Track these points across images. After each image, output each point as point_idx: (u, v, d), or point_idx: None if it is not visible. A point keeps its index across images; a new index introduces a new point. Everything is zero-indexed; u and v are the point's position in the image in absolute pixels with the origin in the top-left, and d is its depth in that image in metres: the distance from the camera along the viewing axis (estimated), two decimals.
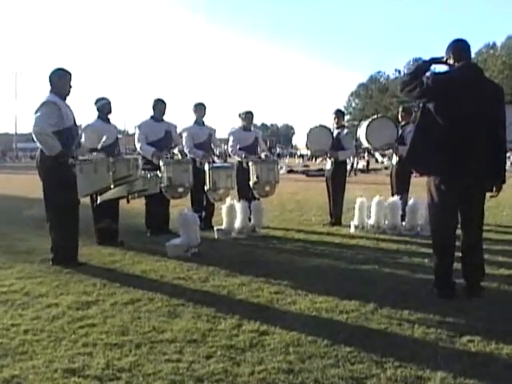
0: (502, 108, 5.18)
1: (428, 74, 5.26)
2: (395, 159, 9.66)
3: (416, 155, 5.29)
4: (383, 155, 10.67)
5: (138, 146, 8.93)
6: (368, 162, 36.42)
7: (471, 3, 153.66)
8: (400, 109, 10.22)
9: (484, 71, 5.56)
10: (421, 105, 5.32)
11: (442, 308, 4.78)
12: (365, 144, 9.75)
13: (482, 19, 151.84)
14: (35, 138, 6.46)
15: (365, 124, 9.73)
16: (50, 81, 6.69)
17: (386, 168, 10.26)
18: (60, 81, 6.70)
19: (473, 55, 5.51)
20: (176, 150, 9.14)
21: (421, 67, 5.42)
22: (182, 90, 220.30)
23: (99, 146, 7.45)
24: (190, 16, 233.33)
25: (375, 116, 9.95)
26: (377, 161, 31.04)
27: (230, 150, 9.89)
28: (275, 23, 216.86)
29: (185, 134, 9.43)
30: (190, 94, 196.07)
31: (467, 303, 4.96)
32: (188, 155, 9.06)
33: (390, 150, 9.71)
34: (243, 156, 9.43)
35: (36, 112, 6.48)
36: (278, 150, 67.45)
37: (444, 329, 4.28)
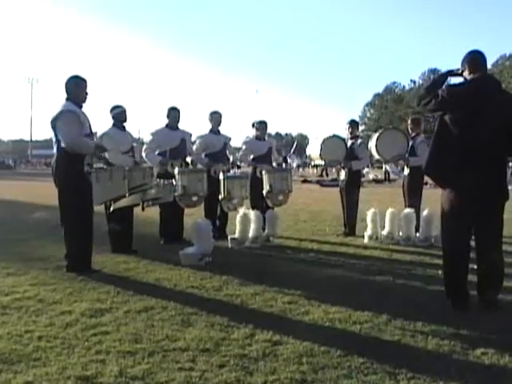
0: None
1: (443, 86, 5.26)
2: (407, 170, 9.65)
3: (434, 167, 5.29)
4: (395, 167, 10.65)
5: (143, 153, 8.96)
6: (387, 173, 35.96)
7: (487, 14, 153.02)
8: (409, 120, 10.23)
9: (501, 83, 5.54)
10: (435, 116, 5.32)
11: (456, 320, 4.75)
12: (376, 156, 9.77)
13: (497, 30, 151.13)
14: (72, 150, 6.49)
15: (375, 136, 9.76)
16: (66, 88, 6.73)
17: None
18: (76, 88, 6.74)
19: (489, 66, 5.50)
20: (189, 159, 9.17)
21: (437, 80, 5.44)
22: (198, 99, 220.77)
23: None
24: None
25: (384, 128, 9.96)
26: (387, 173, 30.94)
27: (238, 157, 9.94)
28: (296, 34, 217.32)
29: (198, 142, 9.45)
30: (205, 102, 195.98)
31: (481, 316, 4.93)
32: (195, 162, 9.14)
33: (401, 162, 9.72)
34: (253, 164, 9.51)
35: (54, 121, 6.52)
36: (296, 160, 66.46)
37: (458, 341, 4.25)
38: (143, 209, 7.53)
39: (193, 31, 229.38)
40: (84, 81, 6.83)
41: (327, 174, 41.21)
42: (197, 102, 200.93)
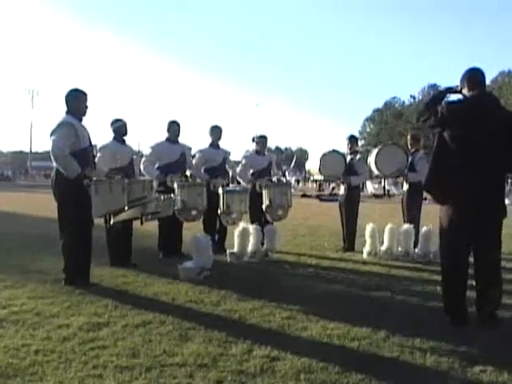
0: None
1: (443, 103, 5.29)
2: (406, 186, 9.67)
3: (433, 183, 5.31)
4: (395, 184, 10.71)
5: (142, 166, 8.93)
6: (385, 189, 35.72)
7: (486, 30, 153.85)
8: (409, 136, 10.26)
9: (499, 99, 5.57)
10: (434, 133, 5.35)
11: (455, 337, 4.74)
12: (375, 172, 9.80)
13: (497, 46, 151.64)
14: (55, 161, 6.50)
15: (374, 151, 9.80)
16: (66, 101, 6.76)
17: (400, 194, 10.40)
18: (75, 101, 6.77)
19: (488, 83, 5.53)
20: (188, 173, 9.19)
21: (436, 97, 5.48)
22: (198, 112, 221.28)
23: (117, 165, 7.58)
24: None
25: (383, 143, 10.00)
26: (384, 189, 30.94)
27: (238, 173, 9.91)
28: (289, 50, 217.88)
29: (197, 156, 9.48)
30: (205, 115, 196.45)
31: (480, 332, 4.92)
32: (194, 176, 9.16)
33: (401, 178, 9.77)
34: (250, 180, 9.52)
35: (52, 133, 6.54)
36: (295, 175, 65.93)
37: (456, 358, 4.24)
38: (142, 223, 7.52)
39: (195, 41, 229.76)
40: (84, 94, 6.86)
41: (323, 190, 41.51)
42: (196, 114, 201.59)
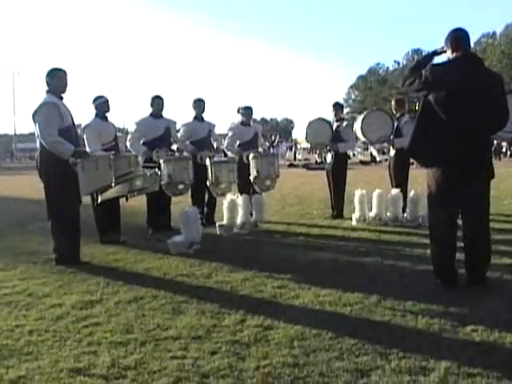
0: (502, 97, 5.16)
1: (427, 66, 5.27)
2: (392, 151, 9.68)
3: (418, 147, 5.30)
4: (380, 151, 10.72)
5: (128, 143, 8.95)
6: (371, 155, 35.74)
7: None
8: (393, 101, 10.25)
9: (483, 61, 5.55)
10: (420, 96, 5.34)
11: (445, 298, 4.79)
12: (361, 138, 9.79)
13: (481, 8, 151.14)
14: (48, 147, 6.44)
15: (360, 118, 9.77)
16: (46, 81, 6.70)
17: (386, 160, 10.43)
18: (55, 79, 6.71)
19: (472, 45, 5.51)
20: (174, 147, 9.15)
21: (422, 61, 5.46)
22: (182, 86, 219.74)
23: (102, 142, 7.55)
24: (188, 12, 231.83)
25: (369, 109, 9.96)
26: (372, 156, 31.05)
27: (225, 145, 9.88)
28: (271, 19, 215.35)
29: (182, 129, 9.45)
30: (189, 89, 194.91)
31: (470, 293, 4.97)
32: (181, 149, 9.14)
33: (386, 143, 9.76)
34: (238, 152, 9.47)
35: (35, 114, 6.48)
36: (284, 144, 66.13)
37: (447, 319, 4.28)
38: (127, 199, 7.50)
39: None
40: (63, 71, 6.80)
41: (295, 158, 41.92)
42: (181, 89, 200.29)
